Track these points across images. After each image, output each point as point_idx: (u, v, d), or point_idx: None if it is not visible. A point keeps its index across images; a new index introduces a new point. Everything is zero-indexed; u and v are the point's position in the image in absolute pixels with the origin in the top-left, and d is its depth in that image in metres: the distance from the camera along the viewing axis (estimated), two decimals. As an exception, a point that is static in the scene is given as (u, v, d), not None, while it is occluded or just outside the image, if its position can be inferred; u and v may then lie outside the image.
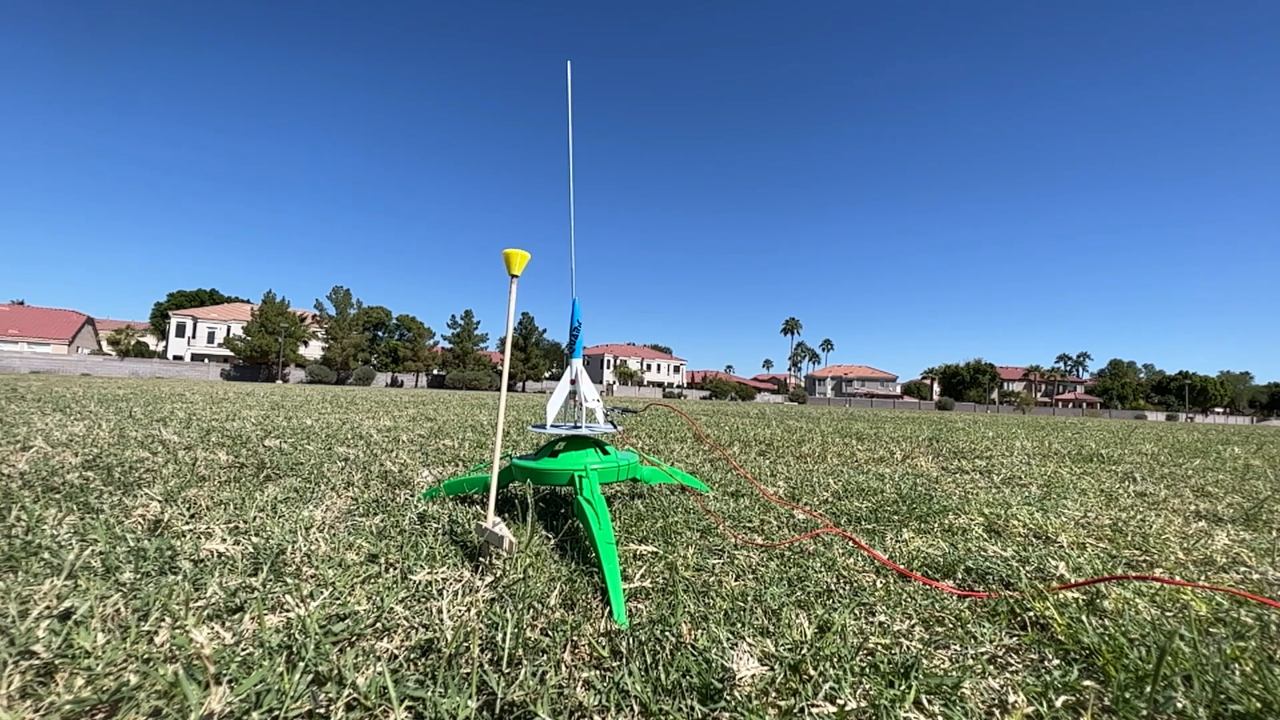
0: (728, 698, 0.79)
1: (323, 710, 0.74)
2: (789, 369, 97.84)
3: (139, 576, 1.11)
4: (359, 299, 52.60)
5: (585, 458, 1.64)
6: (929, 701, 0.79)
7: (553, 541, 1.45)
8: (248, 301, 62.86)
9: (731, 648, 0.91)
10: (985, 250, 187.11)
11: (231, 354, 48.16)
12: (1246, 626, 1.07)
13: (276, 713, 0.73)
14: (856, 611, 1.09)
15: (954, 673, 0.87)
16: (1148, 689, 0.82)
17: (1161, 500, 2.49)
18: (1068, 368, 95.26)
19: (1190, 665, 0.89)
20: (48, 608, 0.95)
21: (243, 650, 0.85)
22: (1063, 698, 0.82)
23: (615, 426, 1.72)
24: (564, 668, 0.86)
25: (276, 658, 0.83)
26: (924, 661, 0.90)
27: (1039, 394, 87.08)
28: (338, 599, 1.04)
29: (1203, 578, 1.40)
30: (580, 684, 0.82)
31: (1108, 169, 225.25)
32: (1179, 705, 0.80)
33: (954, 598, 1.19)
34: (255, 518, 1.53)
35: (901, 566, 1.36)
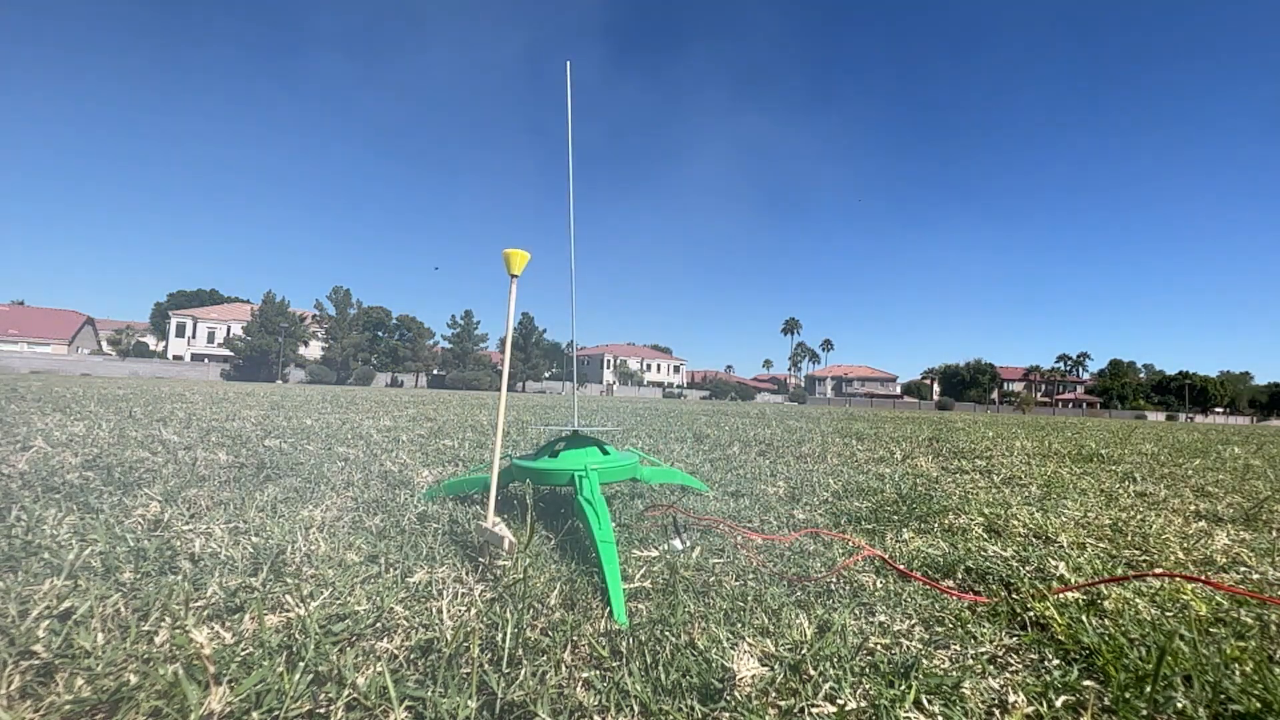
0: (728, 698, 0.79)
1: (323, 710, 0.74)
2: (789, 369, 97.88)
3: (139, 576, 1.11)
4: (359, 299, 52.68)
5: (585, 458, 1.64)
6: (929, 701, 0.79)
7: (553, 541, 1.45)
8: (248, 301, 62.88)
9: (731, 648, 0.91)
10: (985, 250, 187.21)
11: (231, 354, 48.11)
12: (1246, 626, 1.07)
13: (276, 713, 0.73)
14: (856, 611, 1.09)
15: (954, 673, 0.87)
16: (1148, 689, 0.82)
17: (1161, 500, 2.49)
18: (1068, 368, 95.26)
19: (1190, 665, 0.89)
20: (48, 608, 0.95)
21: (243, 650, 0.85)
22: (1063, 698, 0.82)
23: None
24: (564, 668, 0.86)
25: (276, 658, 0.83)
26: (924, 661, 0.90)
27: (1039, 394, 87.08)
28: (338, 599, 1.04)
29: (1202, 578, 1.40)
30: (580, 684, 0.82)
31: (1108, 168, 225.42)
32: (1179, 705, 0.80)
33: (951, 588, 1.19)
34: (255, 518, 1.53)
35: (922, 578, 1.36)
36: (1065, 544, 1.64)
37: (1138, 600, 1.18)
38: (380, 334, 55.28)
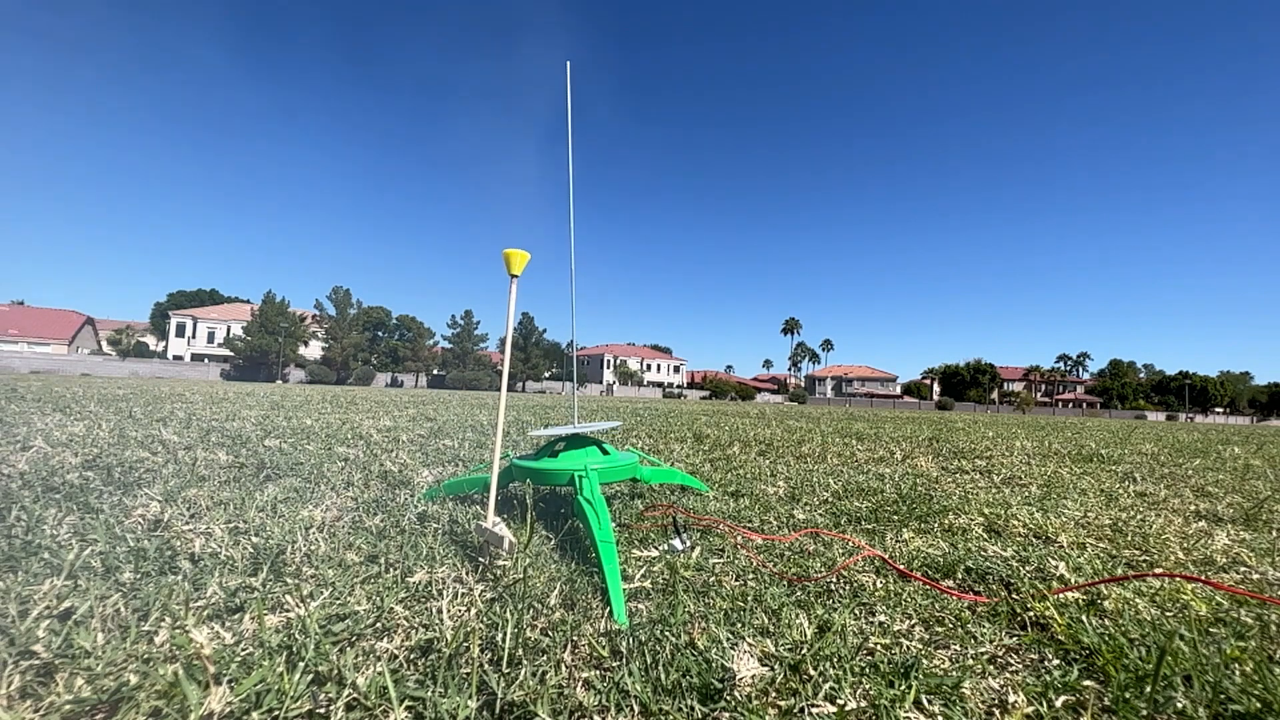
0: (728, 698, 0.79)
1: (323, 710, 0.74)
2: (789, 369, 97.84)
3: (139, 576, 1.11)
4: (359, 299, 52.67)
5: (585, 457, 1.64)
6: (929, 701, 0.79)
7: (553, 541, 1.45)
8: (248, 301, 62.88)
9: (731, 648, 0.91)
10: (985, 250, 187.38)
11: (231, 354, 48.12)
12: (1246, 626, 1.07)
13: (276, 713, 0.73)
14: (856, 611, 1.09)
15: (954, 673, 0.87)
16: (1148, 689, 0.82)
17: (1161, 500, 2.49)
18: (1068, 368, 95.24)
19: (1190, 665, 0.89)
20: (48, 608, 0.95)
21: (243, 650, 0.85)
22: (1063, 698, 0.82)
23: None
24: (564, 668, 0.86)
25: (276, 658, 0.83)
26: (924, 661, 0.90)
27: (1039, 394, 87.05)
28: (338, 599, 1.04)
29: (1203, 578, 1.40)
30: (580, 684, 0.82)
31: (1108, 168, 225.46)
32: (1179, 705, 0.80)
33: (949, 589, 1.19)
34: (255, 518, 1.53)
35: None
36: (1065, 544, 1.64)
37: (1138, 600, 1.18)
38: (380, 334, 55.30)
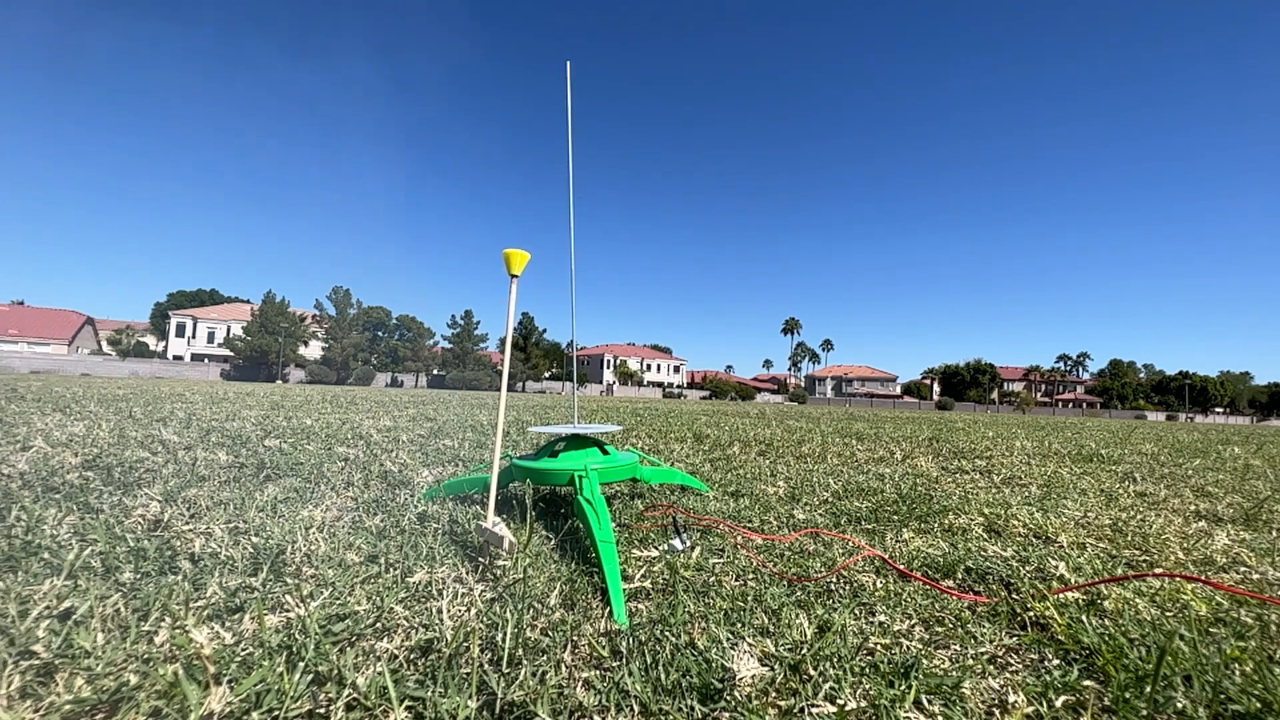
0: (728, 698, 0.79)
1: (323, 710, 0.74)
2: (789, 369, 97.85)
3: (139, 576, 1.11)
4: (359, 299, 52.65)
5: (585, 458, 1.64)
6: (929, 701, 0.79)
7: (553, 541, 1.45)
8: (248, 301, 62.89)
9: (731, 648, 0.91)
10: (985, 250, 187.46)
11: (231, 354, 48.15)
12: (1246, 626, 1.07)
13: (276, 713, 0.73)
14: (856, 611, 1.09)
15: (954, 673, 0.87)
16: (1148, 689, 0.82)
17: (1161, 500, 2.49)
18: (1068, 368, 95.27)
19: (1190, 665, 0.89)
20: (48, 608, 0.95)
21: (243, 650, 0.85)
22: (1063, 698, 0.82)
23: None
24: (564, 668, 0.86)
25: (276, 658, 0.83)
26: (924, 661, 0.90)
27: (1039, 394, 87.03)
28: (338, 599, 1.04)
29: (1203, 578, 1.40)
30: (580, 684, 0.82)
31: (1108, 168, 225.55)
32: (1179, 705, 0.80)
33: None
34: (255, 518, 1.53)
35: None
36: (1065, 544, 1.64)
37: (1138, 600, 1.18)
38: (380, 334, 55.26)
